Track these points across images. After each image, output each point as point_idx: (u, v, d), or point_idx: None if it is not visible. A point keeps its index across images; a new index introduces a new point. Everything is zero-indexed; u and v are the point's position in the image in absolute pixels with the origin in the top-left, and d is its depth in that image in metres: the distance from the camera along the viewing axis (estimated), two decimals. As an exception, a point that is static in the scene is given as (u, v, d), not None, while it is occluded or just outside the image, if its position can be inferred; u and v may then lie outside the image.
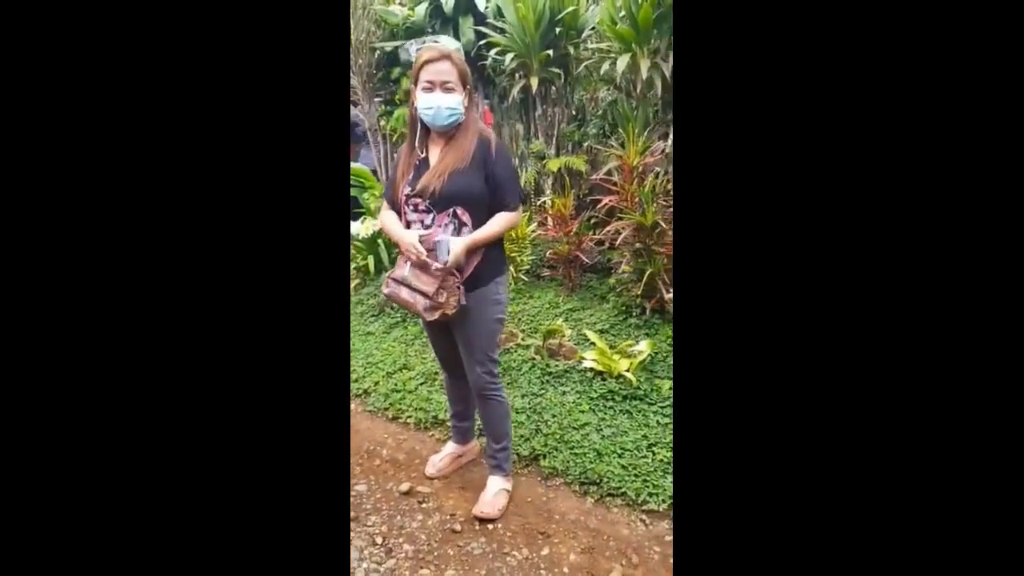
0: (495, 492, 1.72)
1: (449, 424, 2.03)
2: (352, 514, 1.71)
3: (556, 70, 3.15)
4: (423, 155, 1.57)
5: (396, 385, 2.45)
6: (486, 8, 3.59)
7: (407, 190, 1.56)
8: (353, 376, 2.56)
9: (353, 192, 3.95)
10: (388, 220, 1.63)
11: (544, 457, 1.93)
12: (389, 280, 1.60)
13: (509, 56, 3.15)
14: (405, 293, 1.55)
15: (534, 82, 3.12)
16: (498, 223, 1.55)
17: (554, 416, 2.10)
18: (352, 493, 1.81)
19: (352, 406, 2.39)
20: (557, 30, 3.11)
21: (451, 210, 1.52)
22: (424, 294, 1.50)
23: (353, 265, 3.54)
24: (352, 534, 1.63)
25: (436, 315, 1.49)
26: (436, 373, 2.49)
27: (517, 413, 2.13)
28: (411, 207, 1.56)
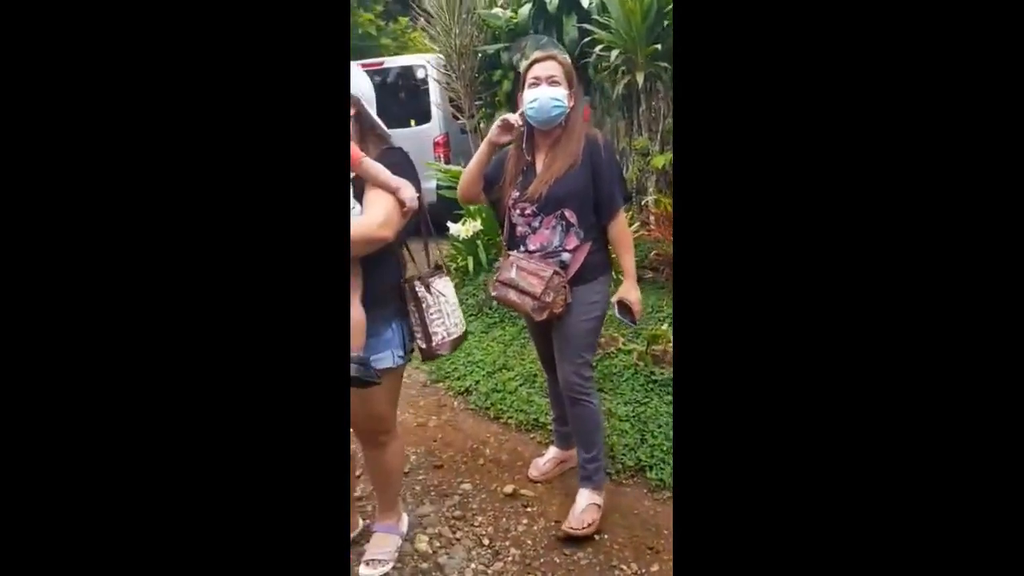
0: (584, 506, 1.64)
1: (551, 428, 2.01)
2: (459, 513, 1.73)
3: (663, 64, 3.03)
4: (529, 159, 1.58)
5: (496, 385, 2.47)
6: (590, 5, 3.52)
7: (515, 195, 1.58)
8: (455, 375, 2.62)
9: (453, 194, 4.05)
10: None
11: (650, 469, 1.86)
12: (496, 283, 1.61)
13: (614, 53, 3.07)
14: (513, 295, 1.55)
15: (639, 77, 3.02)
16: (625, 240, 1.59)
17: (660, 426, 2.01)
18: (458, 491, 1.84)
19: (454, 403, 2.44)
20: (665, 23, 2.98)
21: (558, 212, 1.53)
22: (532, 295, 1.50)
23: (453, 265, 3.63)
24: (460, 533, 1.65)
25: (544, 315, 1.50)
26: (536, 374, 2.48)
27: (620, 421, 2.07)
28: (518, 211, 1.58)
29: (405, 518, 1.65)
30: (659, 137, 3.27)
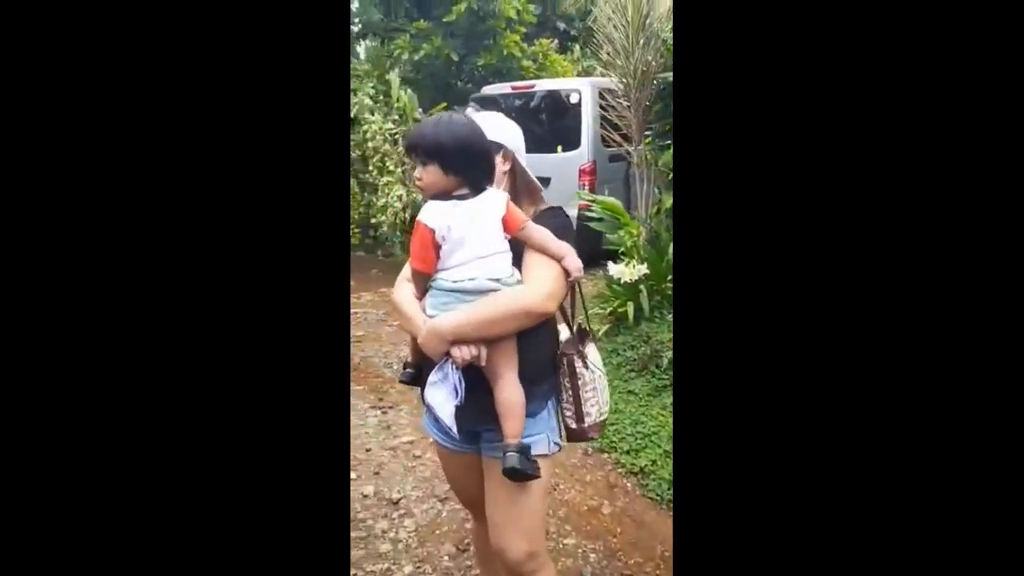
0: None
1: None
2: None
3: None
4: None
5: (680, 471, 2.06)
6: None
7: None
8: (623, 446, 2.24)
9: (604, 227, 3.73)
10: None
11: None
12: None
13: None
14: None
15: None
16: None
17: None
18: (664, 626, 1.46)
19: (626, 485, 2.07)
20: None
21: None
22: None
23: (607, 309, 3.28)
24: None
25: None
26: (732, 467, 2.05)
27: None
28: None
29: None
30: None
